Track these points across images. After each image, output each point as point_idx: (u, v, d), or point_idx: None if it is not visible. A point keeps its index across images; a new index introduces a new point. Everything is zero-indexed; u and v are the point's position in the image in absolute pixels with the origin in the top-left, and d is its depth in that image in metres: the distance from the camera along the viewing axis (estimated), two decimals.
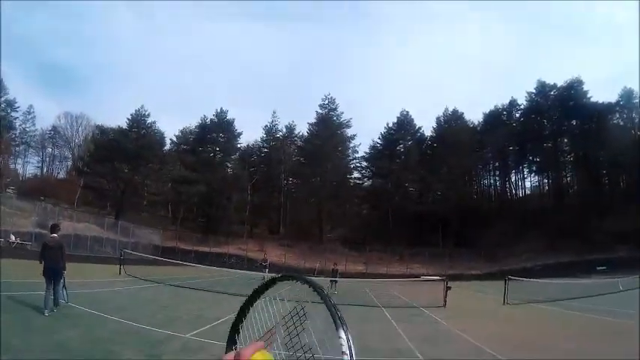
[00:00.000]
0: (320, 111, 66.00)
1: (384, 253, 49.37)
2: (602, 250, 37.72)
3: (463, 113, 65.67)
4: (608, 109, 54.07)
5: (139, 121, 59.86)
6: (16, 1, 72.92)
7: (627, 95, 54.16)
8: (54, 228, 8.84)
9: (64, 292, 8.73)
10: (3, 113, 58.96)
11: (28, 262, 17.60)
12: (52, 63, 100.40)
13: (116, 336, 6.87)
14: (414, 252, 49.11)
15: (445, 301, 14.65)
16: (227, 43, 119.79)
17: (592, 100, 54.62)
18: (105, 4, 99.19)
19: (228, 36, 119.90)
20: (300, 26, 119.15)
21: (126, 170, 56.01)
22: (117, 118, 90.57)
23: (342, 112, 66.21)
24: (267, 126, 68.50)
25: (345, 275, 28.86)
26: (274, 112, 70.21)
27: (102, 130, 61.87)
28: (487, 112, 65.34)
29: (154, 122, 62.05)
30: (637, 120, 54.73)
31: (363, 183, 67.60)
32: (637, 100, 53.07)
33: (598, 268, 32.93)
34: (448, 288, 15.10)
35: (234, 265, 37.48)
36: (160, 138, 64.31)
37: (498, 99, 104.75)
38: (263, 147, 68.88)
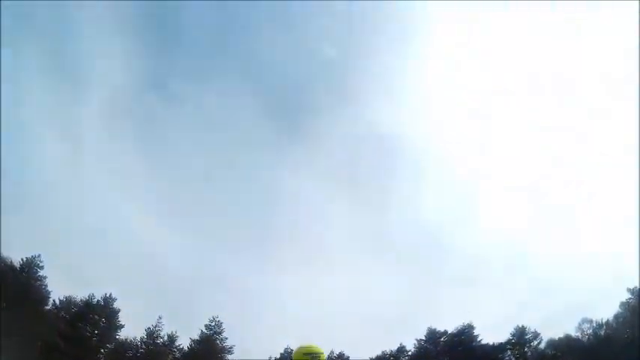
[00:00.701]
0: (205, 331, 65.63)
1: None
2: None
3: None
4: (498, 349, 56.65)
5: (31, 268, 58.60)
6: None
7: (519, 333, 57.38)
8: None
9: None
10: None
11: None
12: None
13: None
14: None
15: None
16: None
17: (482, 342, 57.15)
18: None
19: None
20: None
21: None
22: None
23: (227, 338, 65.95)
24: (149, 328, 65.92)
25: None
26: (160, 317, 67.64)
27: None
28: (374, 357, 64.30)
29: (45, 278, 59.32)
30: (529, 354, 57.16)
31: None
32: (529, 336, 56.57)
33: None
34: None
35: None
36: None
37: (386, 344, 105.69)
38: (141, 347, 65.34)
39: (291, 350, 62.51)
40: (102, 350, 61.64)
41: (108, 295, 62.99)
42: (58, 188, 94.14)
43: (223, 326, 65.48)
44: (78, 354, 53.88)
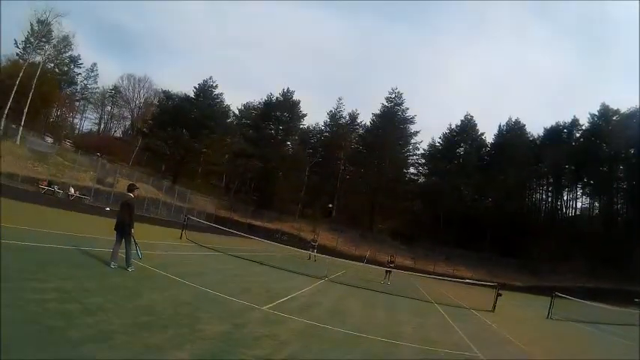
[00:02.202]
0: (386, 104, 66.24)
1: (431, 251, 49.97)
2: None
3: (525, 125, 65.12)
4: None
5: (205, 90, 60.87)
6: None
7: None
8: (131, 188, 9.04)
9: (137, 249, 8.68)
10: (65, 68, 61.58)
11: (88, 216, 19.45)
12: (118, 26, 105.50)
13: (198, 302, 6.92)
14: (460, 254, 49.66)
15: (494, 306, 15.14)
16: (295, 27, 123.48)
17: None
18: None
19: (296, 20, 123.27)
20: (370, 18, 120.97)
21: (187, 137, 57.06)
22: (179, 86, 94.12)
23: (408, 108, 66.27)
24: (331, 111, 69.17)
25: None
26: (339, 99, 70.54)
27: (168, 95, 62.72)
28: (548, 127, 64.50)
29: (222, 94, 63.07)
30: None
31: (418, 180, 68.06)
32: None
33: (635, 300, 31.91)
34: (499, 295, 15.64)
35: (286, 242, 38.14)
36: (224, 110, 65.33)
37: (560, 115, 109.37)
38: (325, 131, 69.63)
39: (471, 117, 64.86)
40: (287, 143, 66.67)
41: (285, 90, 65.60)
42: None
43: (403, 97, 65.63)
44: (265, 153, 59.13)
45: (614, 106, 57.18)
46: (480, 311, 14.72)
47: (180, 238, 18.98)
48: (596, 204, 60.55)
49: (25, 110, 36.13)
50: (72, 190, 27.91)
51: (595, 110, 58.63)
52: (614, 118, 56.89)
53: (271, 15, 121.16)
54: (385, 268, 20.52)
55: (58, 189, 26.67)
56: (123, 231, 8.25)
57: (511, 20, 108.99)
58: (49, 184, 26.61)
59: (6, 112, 34.13)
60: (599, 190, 57.84)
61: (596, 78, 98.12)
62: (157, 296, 6.74)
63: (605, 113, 57.47)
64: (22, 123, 35.27)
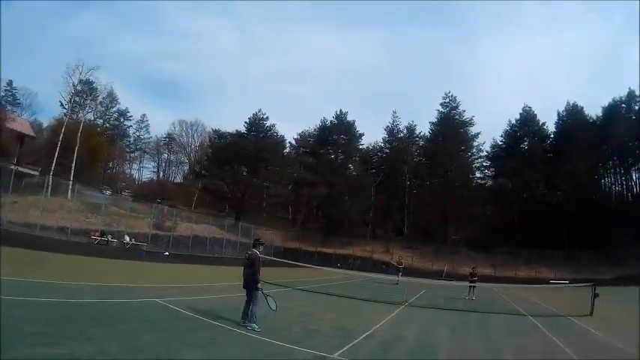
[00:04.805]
0: (441, 109, 63.90)
1: (509, 256, 47.05)
2: None
3: (583, 107, 59.53)
4: None
5: (257, 124, 60.85)
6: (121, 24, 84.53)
7: None
8: (255, 243, 8.87)
9: (268, 303, 8.16)
10: (116, 122, 65.38)
11: (149, 264, 19.07)
12: (162, 77, 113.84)
13: (253, 356, 5.92)
14: (539, 254, 46.12)
15: (592, 309, 13.57)
16: (333, 51, 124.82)
17: None
18: (207, 25, 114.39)
19: (332, 44, 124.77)
20: (401, 30, 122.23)
21: (245, 172, 56.95)
22: (230, 125, 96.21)
23: (464, 111, 63.33)
24: (388, 126, 67.64)
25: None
26: (394, 112, 68.34)
27: (219, 134, 62.68)
28: (606, 105, 58.16)
29: (274, 125, 62.69)
30: None
31: (485, 183, 64.46)
32: None
33: None
34: (596, 295, 13.95)
35: (359, 267, 36.97)
36: (279, 140, 64.84)
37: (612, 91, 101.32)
38: (385, 148, 67.94)
39: (529, 108, 60.91)
40: (349, 165, 65.30)
41: (339, 112, 64.68)
42: None
43: (458, 100, 63.11)
44: (328, 179, 57.73)
45: None
46: (577, 317, 13.12)
47: None
48: None
49: (73, 165, 36.53)
50: (127, 237, 27.42)
51: None
52: None
53: (309, 41, 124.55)
54: (469, 284, 18.98)
55: (112, 238, 26.26)
56: (249, 288, 7.99)
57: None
58: (102, 234, 26.25)
59: (52, 168, 34.83)
60: None
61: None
62: (198, 353, 5.57)
63: None
64: (72, 177, 35.66)
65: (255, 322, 7.54)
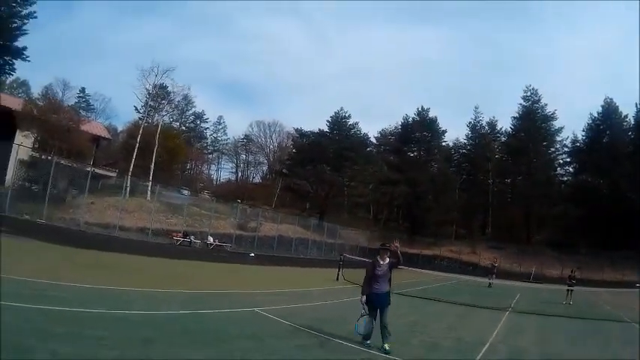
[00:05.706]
0: (523, 103, 60.51)
1: (593, 257, 44.08)
2: None
3: None
4: None
5: (339, 122, 60.12)
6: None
7: None
8: (381, 250, 6.94)
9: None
10: (192, 125, 66.84)
11: (233, 266, 18.41)
12: (237, 80, 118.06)
13: None
14: (624, 255, 42.72)
15: None
16: (401, 47, 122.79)
17: None
18: (278, 27, 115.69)
19: (400, 41, 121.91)
20: (468, 24, 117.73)
21: (328, 171, 56.22)
22: (307, 124, 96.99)
23: (547, 104, 59.70)
24: (470, 122, 64.91)
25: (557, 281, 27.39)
26: (476, 108, 65.29)
27: (301, 133, 62.15)
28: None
29: (357, 123, 61.67)
30: None
31: (567, 180, 61.09)
32: None
33: None
34: None
35: (447, 268, 36.14)
36: (363, 139, 63.85)
37: None
38: (467, 144, 65.34)
39: (611, 99, 56.35)
40: (433, 163, 63.70)
41: (420, 109, 63.00)
42: None
43: (540, 93, 60.00)
44: (411, 177, 56.50)
45: None
46: None
47: (337, 279, 17.16)
48: None
49: (152, 167, 36.61)
50: (210, 238, 27.16)
51: None
52: None
53: (379, 39, 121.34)
54: (567, 287, 17.88)
55: (195, 239, 25.99)
56: (383, 304, 6.66)
57: None
58: (185, 234, 25.99)
59: (130, 169, 35.04)
60: None
61: None
62: None
63: None
64: (151, 178, 35.60)
65: (387, 343, 6.11)
